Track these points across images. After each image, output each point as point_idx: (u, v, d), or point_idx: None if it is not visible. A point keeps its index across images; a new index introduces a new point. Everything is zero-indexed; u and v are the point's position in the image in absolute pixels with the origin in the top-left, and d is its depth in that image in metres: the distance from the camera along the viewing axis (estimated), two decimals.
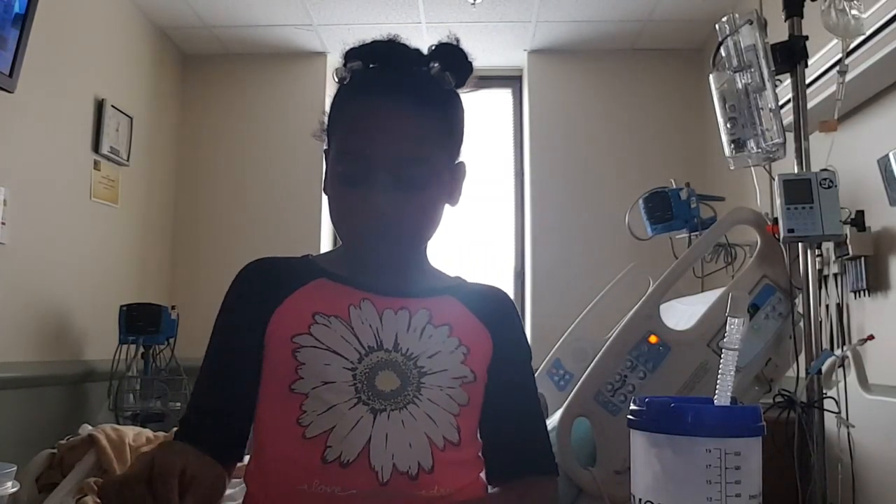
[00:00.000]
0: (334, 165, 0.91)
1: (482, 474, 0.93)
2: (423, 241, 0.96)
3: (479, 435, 0.94)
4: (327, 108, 0.95)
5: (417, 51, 0.91)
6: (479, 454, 0.93)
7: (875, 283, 2.05)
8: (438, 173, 0.91)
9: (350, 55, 0.91)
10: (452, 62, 0.91)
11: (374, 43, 0.91)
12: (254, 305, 0.91)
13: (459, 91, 0.94)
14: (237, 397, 0.89)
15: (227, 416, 0.89)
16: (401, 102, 0.87)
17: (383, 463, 0.82)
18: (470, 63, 0.93)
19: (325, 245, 3.66)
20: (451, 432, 0.88)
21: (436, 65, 0.90)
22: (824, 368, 1.76)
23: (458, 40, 0.92)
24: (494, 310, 0.98)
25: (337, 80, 0.93)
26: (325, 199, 0.97)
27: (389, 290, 0.93)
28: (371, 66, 0.90)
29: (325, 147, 0.96)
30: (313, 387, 0.85)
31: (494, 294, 1.01)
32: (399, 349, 0.89)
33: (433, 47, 0.92)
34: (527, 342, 1.01)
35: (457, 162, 0.96)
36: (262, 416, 0.89)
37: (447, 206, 0.95)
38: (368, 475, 0.81)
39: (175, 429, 2.49)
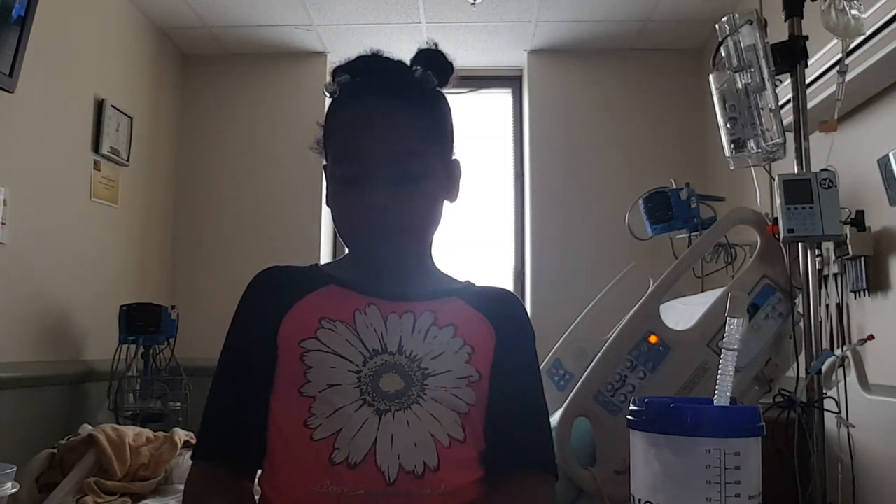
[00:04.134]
0: (333, 171, 0.94)
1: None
2: (426, 236, 0.97)
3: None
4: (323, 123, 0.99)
5: (400, 60, 0.96)
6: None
7: (875, 283, 2.05)
8: (433, 168, 0.94)
9: (338, 71, 0.96)
10: (433, 63, 0.96)
11: (359, 57, 0.96)
12: (265, 312, 0.93)
13: (444, 90, 0.98)
14: (254, 406, 0.91)
15: (246, 425, 0.90)
16: (391, 103, 0.92)
17: (389, 463, 0.83)
18: (450, 63, 0.97)
19: (325, 245, 3.65)
20: (456, 430, 0.89)
21: (418, 68, 0.95)
22: (824, 368, 1.76)
23: (436, 44, 0.97)
24: (499, 306, 0.99)
25: (328, 94, 0.97)
26: (325, 198, 1.00)
27: (395, 294, 0.94)
28: (358, 77, 0.95)
29: (323, 162, 1.00)
30: (320, 390, 0.87)
31: (501, 294, 1.03)
32: (403, 352, 0.90)
33: (414, 54, 0.97)
34: (533, 341, 1.01)
35: (451, 159, 1.00)
36: (274, 420, 0.90)
37: (447, 204, 0.98)
38: (376, 475, 0.83)
39: (175, 428, 2.50)
